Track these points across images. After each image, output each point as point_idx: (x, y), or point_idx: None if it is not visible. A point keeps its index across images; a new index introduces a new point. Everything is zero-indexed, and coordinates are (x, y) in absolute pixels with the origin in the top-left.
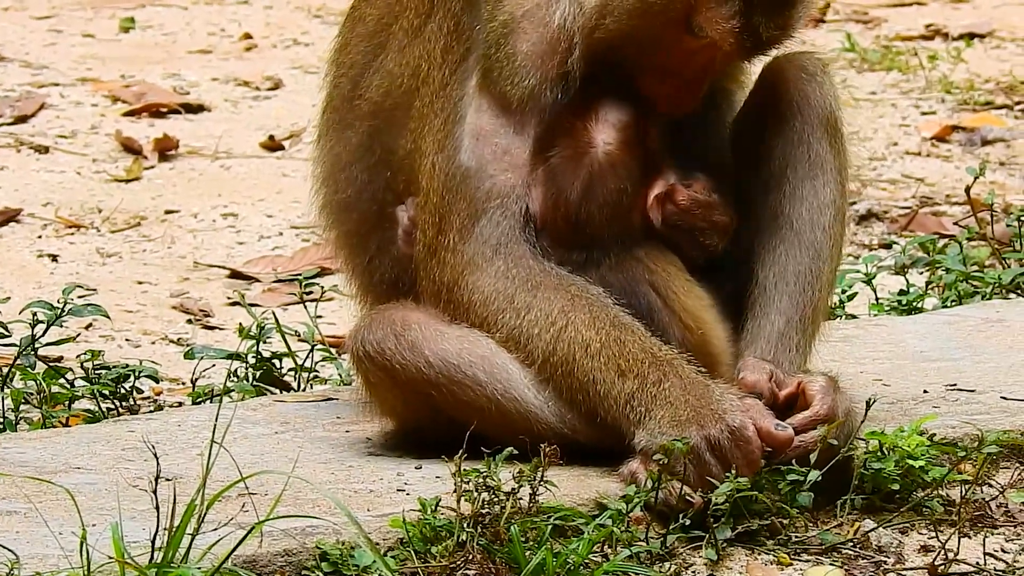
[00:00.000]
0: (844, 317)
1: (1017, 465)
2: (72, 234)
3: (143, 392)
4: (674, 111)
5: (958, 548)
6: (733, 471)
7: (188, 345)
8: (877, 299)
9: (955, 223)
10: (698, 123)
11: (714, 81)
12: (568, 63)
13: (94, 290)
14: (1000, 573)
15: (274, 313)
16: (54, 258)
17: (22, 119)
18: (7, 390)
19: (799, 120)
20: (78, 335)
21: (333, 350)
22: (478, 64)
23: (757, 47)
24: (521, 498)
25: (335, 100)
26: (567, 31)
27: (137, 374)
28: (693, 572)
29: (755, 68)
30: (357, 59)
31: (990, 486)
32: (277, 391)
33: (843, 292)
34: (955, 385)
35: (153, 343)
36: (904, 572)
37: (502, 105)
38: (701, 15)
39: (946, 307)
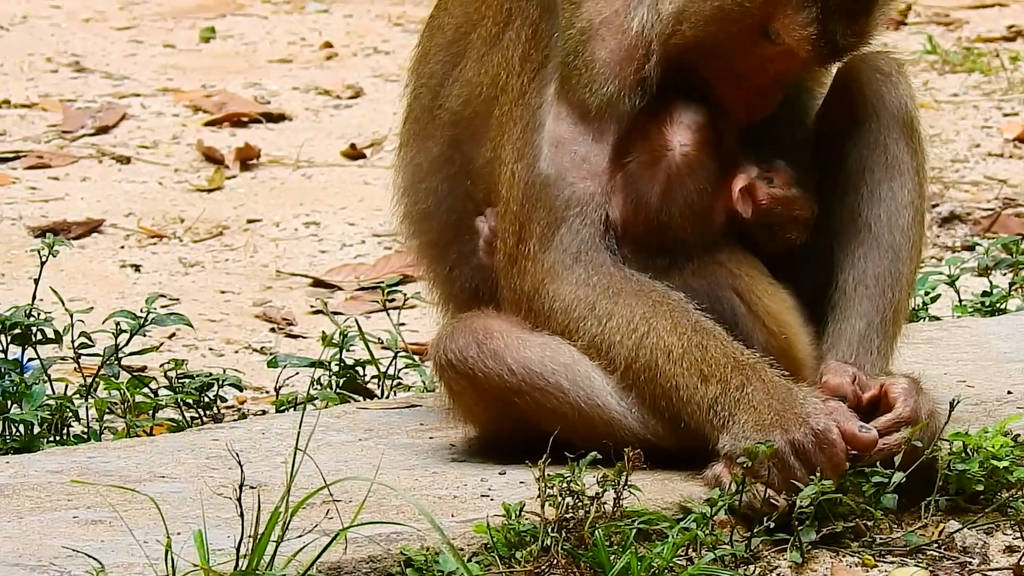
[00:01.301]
0: (927, 319)
1: None
2: (154, 244)
3: (227, 401)
4: (748, 117)
5: None
6: (817, 474)
7: (271, 353)
8: (960, 301)
9: None
10: (778, 116)
11: (792, 84)
12: (645, 69)
13: (177, 299)
14: None
15: (357, 321)
16: (137, 268)
17: (104, 130)
18: (91, 400)
19: (875, 121)
20: (161, 344)
21: (416, 357)
22: (556, 72)
23: (833, 54)
24: (605, 502)
25: (415, 111)
26: (645, 38)
27: (221, 383)
28: (778, 575)
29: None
30: (436, 69)
31: None
32: (360, 398)
33: (926, 294)
34: None
35: (236, 352)
36: (989, 573)
37: (581, 113)
38: (778, 21)
39: None
